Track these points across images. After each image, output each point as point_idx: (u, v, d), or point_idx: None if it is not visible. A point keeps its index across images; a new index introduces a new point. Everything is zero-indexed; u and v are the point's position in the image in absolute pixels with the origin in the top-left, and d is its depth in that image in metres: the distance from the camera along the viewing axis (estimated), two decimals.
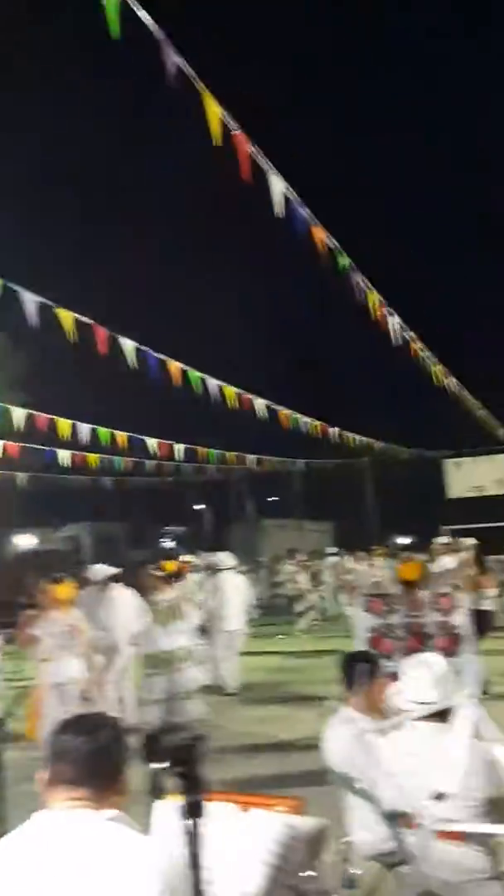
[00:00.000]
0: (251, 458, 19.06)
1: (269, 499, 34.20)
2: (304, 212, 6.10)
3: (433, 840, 2.83)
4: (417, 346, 9.90)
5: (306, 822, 2.64)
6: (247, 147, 5.30)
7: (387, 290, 8.25)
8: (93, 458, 16.36)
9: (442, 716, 2.93)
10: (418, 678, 2.96)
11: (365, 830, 3.26)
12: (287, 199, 5.88)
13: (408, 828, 2.94)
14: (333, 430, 15.70)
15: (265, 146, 5.47)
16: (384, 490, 27.82)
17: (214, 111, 4.84)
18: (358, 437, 18.12)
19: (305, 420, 14.05)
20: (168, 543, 39.45)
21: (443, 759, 2.83)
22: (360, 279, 7.59)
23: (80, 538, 31.21)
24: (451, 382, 12.10)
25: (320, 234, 6.64)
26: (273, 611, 18.04)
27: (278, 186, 5.70)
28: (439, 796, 2.79)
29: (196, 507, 40.23)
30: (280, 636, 14.87)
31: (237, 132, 5.22)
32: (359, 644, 5.62)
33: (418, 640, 5.53)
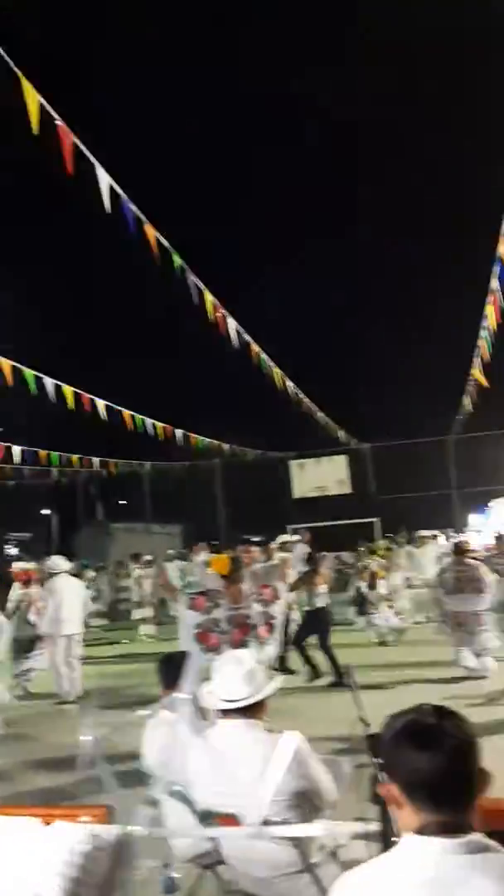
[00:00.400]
0: (96, 460, 18.61)
1: (118, 502, 33.58)
2: (133, 208, 6.02)
3: (244, 838, 2.83)
4: (256, 349, 10.07)
5: (111, 831, 2.56)
6: (70, 137, 5.15)
7: (224, 292, 8.34)
8: None
9: (252, 710, 2.94)
10: (227, 675, 2.96)
11: (183, 832, 3.22)
12: (115, 195, 5.78)
13: (221, 827, 2.92)
14: (179, 432, 15.65)
15: (91, 138, 5.34)
16: (233, 491, 28.11)
17: (34, 98, 4.64)
18: (205, 439, 18.21)
19: (150, 422, 13.90)
20: (12, 550, 37.80)
21: (250, 754, 2.84)
22: (195, 280, 7.61)
23: None
24: (290, 386, 12.41)
25: (152, 232, 6.59)
26: (118, 616, 17.76)
27: (105, 180, 5.58)
28: (248, 792, 2.80)
29: (43, 511, 38.81)
30: (125, 641, 14.66)
31: (60, 122, 5.06)
32: (185, 641, 5.61)
33: (242, 632, 5.64)
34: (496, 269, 8.27)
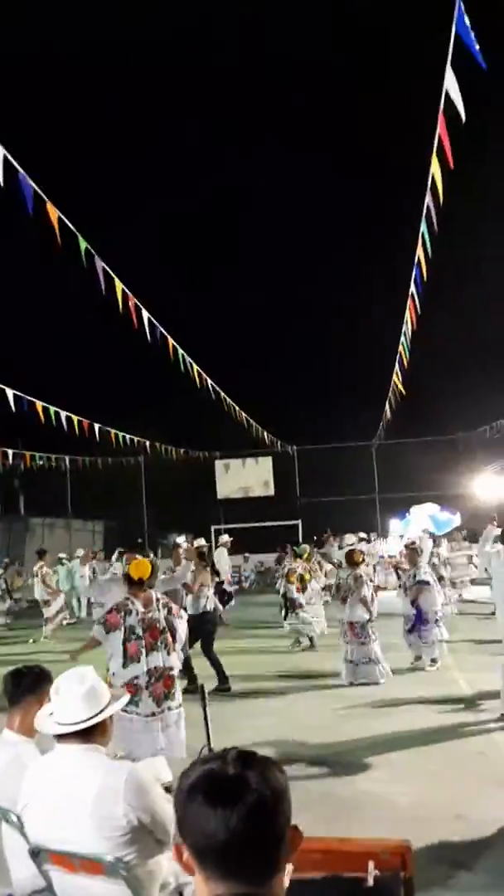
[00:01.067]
0: (10, 452, 17.93)
1: (39, 496, 32.66)
2: (31, 185, 5.62)
3: (74, 875, 2.52)
4: (172, 343, 9.74)
5: None
6: None
7: (136, 283, 7.99)
8: None
9: (91, 734, 2.63)
10: (65, 694, 2.64)
11: (23, 867, 2.89)
12: (10, 169, 5.37)
13: (53, 864, 2.61)
14: (97, 427, 15.16)
15: None
16: (157, 490, 27.64)
17: None
18: (126, 436, 17.75)
19: (65, 414, 13.38)
20: None
21: (85, 783, 2.53)
22: (104, 266, 7.23)
23: None
24: (210, 384, 12.12)
25: (54, 213, 6.19)
26: (24, 614, 17.16)
27: None
28: (81, 826, 2.49)
29: None
30: (32, 640, 14.12)
31: None
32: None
33: (153, 636, 5.48)
34: (414, 273, 8.19)
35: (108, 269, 7.36)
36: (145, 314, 8.55)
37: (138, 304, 8.27)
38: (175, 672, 5.55)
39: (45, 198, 5.98)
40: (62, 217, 6.29)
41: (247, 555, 25.38)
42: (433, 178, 6.16)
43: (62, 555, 17.36)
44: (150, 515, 27.46)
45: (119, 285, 7.61)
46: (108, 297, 7.64)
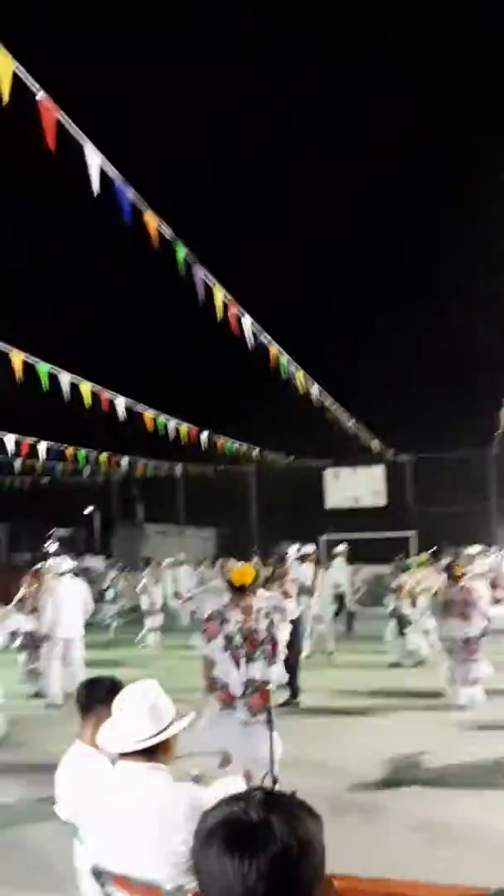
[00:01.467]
0: (124, 460, 18.40)
1: (153, 503, 33.49)
2: (130, 193, 5.64)
3: None
4: (275, 350, 9.61)
5: None
6: (54, 114, 4.80)
7: (236, 288, 7.91)
8: None
9: (155, 752, 2.50)
10: (127, 710, 2.52)
11: (91, 884, 2.80)
12: (107, 177, 5.41)
13: (115, 886, 2.50)
14: (204, 436, 15.28)
15: (77, 113, 4.99)
16: (267, 497, 27.68)
17: (6, 65, 4.30)
18: (234, 443, 17.81)
19: (174, 423, 13.55)
20: (52, 546, 38.04)
21: (148, 805, 2.40)
22: (203, 274, 7.20)
23: None
24: (315, 391, 11.91)
25: (153, 221, 6.21)
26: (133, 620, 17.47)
27: (95, 161, 5.22)
28: (142, 849, 2.37)
29: (83, 509, 39.03)
30: (143, 646, 14.35)
31: (42, 97, 4.72)
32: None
33: (252, 645, 5.34)
34: None
35: (207, 277, 7.34)
36: (247, 321, 8.47)
37: (240, 311, 8.21)
38: (273, 686, 5.38)
39: (146, 206, 6.01)
40: (161, 225, 6.31)
41: (358, 566, 24.86)
42: None
43: (167, 560, 17.56)
44: (260, 524, 27.50)
45: (219, 293, 7.57)
46: (207, 303, 7.61)
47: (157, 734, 2.49)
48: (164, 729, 2.51)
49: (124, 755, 2.52)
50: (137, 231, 6.11)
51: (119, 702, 2.57)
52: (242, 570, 5.69)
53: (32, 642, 9.96)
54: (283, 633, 5.53)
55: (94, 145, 5.23)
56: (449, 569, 8.78)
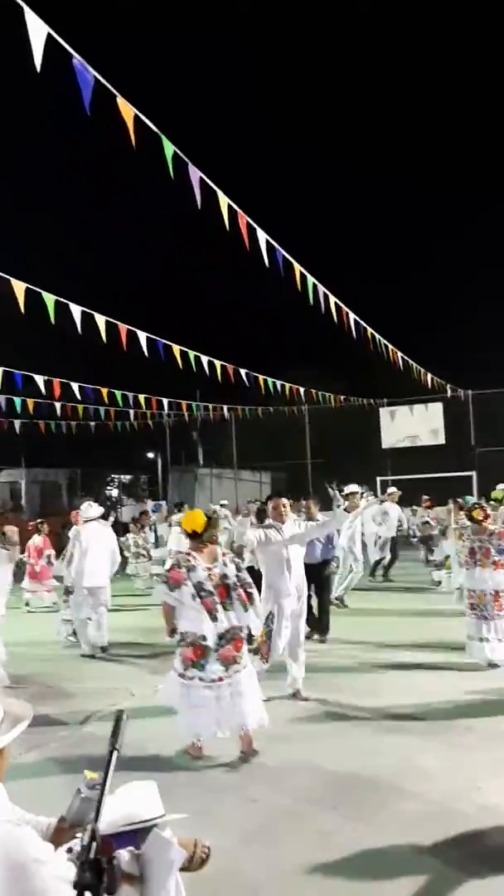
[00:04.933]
0: (165, 402, 17.78)
1: (207, 447, 33.03)
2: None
3: None
4: (299, 270, 8.60)
5: None
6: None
7: (244, 197, 6.97)
8: (31, 402, 15.84)
9: None
10: None
11: None
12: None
13: None
14: (243, 372, 14.45)
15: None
16: (322, 440, 26.72)
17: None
18: (278, 382, 16.94)
19: (206, 359, 12.76)
20: (113, 491, 38.25)
21: None
22: (199, 177, 6.26)
23: (18, 483, 30.18)
24: (352, 319, 10.86)
25: (128, 111, 5.30)
26: None
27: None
28: None
29: (142, 455, 39.03)
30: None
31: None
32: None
33: (221, 593, 4.98)
34: None
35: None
36: (262, 235, 7.53)
37: (250, 221, 7.26)
38: (244, 633, 5.01)
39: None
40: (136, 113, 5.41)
41: (414, 507, 23.85)
42: None
43: (213, 506, 17.00)
44: (315, 466, 26.62)
45: (224, 201, 6.64)
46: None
47: None
48: None
49: None
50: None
51: None
52: (191, 516, 5.25)
53: (65, 590, 9.62)
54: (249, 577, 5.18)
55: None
56: (470, 511, 7.68)
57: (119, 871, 1.32)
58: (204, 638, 4.80)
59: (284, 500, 6.46)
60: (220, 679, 4.79)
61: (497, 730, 5.45)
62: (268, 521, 6.43)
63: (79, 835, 2.02)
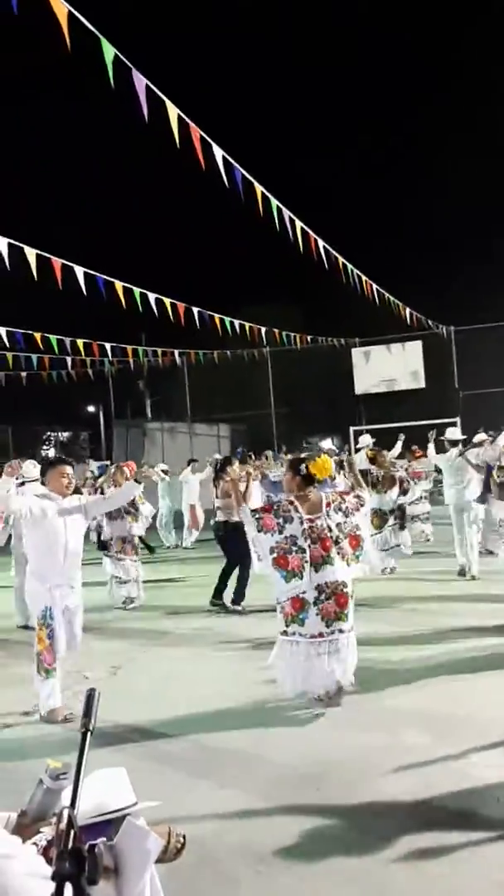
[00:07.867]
0: (108, 346, 17.59)
1: (156, 398, 32.83)
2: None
3: None
4: (260, 191, 8.51)
5: None
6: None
7: (197, 108, 6.85)
8: None
9: None
10: None
11: None
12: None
13: None
14: (195, 311, 14.34)
15: None
16: (287, 386, 26.76)
17: None
18: (235, 322, 16.85)
19: (153, 296, 12.61)
20: (50, 451, 37.91)
21: None
22: (146, 83, 6.11)
23: None
24: (321, 246, 10.81)
25: (61, 8, 5.14)
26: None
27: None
28: None
29: (82, 408, 38.72)
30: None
31: None
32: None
33: (324, 547, 5.32)
34: None
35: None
36: (219, 152, 7.43)
37: (203, 135, 7.15)
38: (349, 589, 5.35)
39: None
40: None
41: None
42: None
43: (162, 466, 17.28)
44: (280, 416, 26.72)
45: (173, 111, 6.51)
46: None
47: None
48: None
49: None
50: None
51: None
52: (323, 462, 5.55)
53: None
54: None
55: None
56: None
57: (101, 860, 1.38)
58: (304, 593, 5.18)
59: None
60: (321, 635, 5.17)
61: (484, 703, 5.68)
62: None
63: (43, 829, 2.09)
